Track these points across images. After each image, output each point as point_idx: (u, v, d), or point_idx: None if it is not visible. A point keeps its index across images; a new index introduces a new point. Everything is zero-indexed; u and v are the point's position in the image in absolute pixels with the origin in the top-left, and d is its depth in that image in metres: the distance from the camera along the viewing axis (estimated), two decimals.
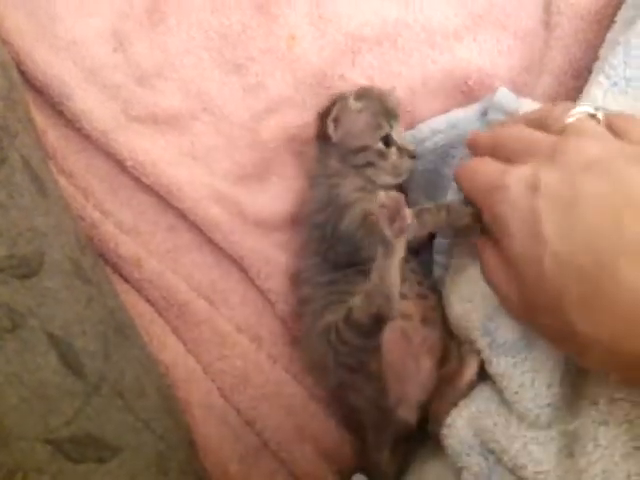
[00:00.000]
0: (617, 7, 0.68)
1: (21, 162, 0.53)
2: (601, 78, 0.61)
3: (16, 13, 0.73)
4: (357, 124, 0.70)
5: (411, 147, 0.70)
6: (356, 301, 0.58)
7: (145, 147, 0.73)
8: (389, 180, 0.70)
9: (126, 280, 0.71)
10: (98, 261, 0.66)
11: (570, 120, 0.49)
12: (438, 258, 0.67)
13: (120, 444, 0.51)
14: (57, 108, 0.73)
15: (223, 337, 0.69)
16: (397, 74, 0.77)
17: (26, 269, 0.49)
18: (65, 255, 0.54)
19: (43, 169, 0.59)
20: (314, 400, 0.69)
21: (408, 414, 0.59)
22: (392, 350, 0.59)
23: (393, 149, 0.70)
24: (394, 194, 0.54)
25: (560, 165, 0.45)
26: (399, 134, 0.71)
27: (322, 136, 0.71)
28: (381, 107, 0.71)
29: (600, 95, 0.61)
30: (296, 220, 0.75)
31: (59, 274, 0.52)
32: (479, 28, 0.77)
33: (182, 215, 0.73)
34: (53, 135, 0.73)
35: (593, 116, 0.49)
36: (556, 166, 0.45)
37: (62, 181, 0.70)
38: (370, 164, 0.69)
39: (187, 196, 0.72)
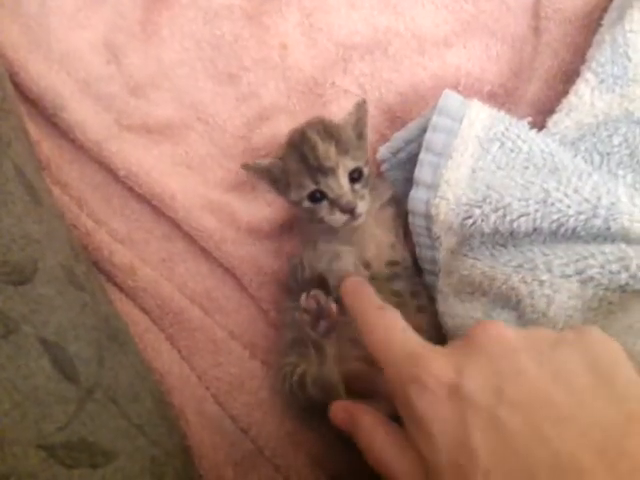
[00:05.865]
0: (604, 10, 0.69)
1: (14, 170, 0.54)
2: (588, 75, 0.62)
3: (10, 25, 0.74)
4: (286, 177, 0.65)
5: (344, 200, 0.61)
6: (307, 378, 0.56)
7: (138, 157, 0.74)
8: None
9: (120, 288, 0.71)
10: (92, 268, 0.66)
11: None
12: (426, 266, 0.67)
13: (114, 450, 0.51)
14: (51, 119, 0.74)
15: (217, 344, 0.69)
16: (388, 81, 0.77)
17: (19, 275, 0.49)
18: (58, 262, 0.55)
19: (36, 178, 0.60)
20: None
21: None
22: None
23: (324, 204, 0.62)
24: (315, 293, 0.52)
25: (481, 366, 0.40)
26: (337, 183, 0.61)
27: None
28: (303, 162, 0.63)
29: (587, 92, 0.62)
30: (288, 227, 0.75)
31: (52, 281, 0.52)
32: (468, 35, 0.77)
33: (176, 224, 0.74)
34: (47, 145, 0.73)
35: None
36: (478, 367, 0.40)
37: (56, 191, 0.71)
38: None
39: (180, 205, 0.72)
